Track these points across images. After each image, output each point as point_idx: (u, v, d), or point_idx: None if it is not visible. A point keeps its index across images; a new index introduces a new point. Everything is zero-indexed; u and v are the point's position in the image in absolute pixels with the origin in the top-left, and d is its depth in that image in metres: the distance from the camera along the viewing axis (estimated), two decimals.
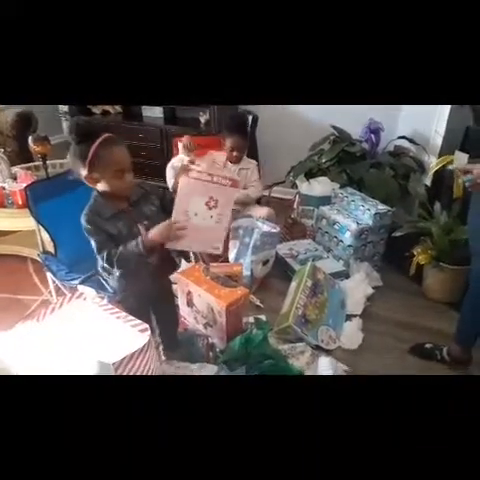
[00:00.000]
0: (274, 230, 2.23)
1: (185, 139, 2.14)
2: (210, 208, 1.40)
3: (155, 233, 1.31)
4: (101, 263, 1.36)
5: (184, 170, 1.35)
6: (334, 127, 2.88)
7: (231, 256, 2.25)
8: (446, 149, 2.30)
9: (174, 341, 1.68)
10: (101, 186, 1.28)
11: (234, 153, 2.26)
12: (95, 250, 1.34)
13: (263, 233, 2.17)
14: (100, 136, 1.21)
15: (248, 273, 2.16)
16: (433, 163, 2.35)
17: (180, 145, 2.17)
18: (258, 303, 2.11)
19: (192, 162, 1.87)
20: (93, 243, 1.33)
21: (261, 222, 2.25)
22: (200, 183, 1.36)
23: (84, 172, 1.23)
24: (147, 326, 1.24)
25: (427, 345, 1.78)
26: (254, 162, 2.43)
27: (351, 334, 1.89)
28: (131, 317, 1.27)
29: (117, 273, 1.39)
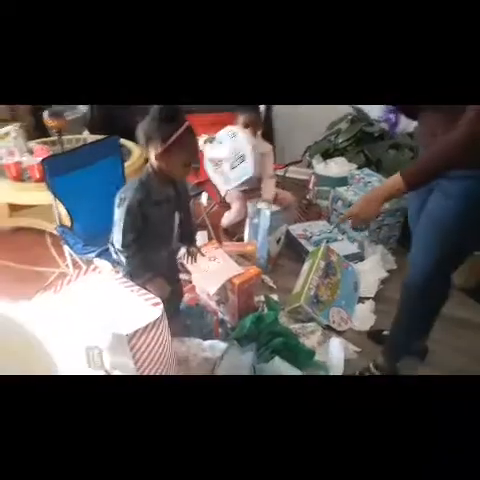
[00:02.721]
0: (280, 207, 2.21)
1: None
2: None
3: (156, 291, 1.31)
4: (112, 241, 1.37)
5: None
6: (352, 106, 2.81)
7: (246, 236, 2.25)
8: None
9: (177, 312, 1.68)
10: (163, 166, 1.28)
11: (248, 130, 2.17)
12: (116, 230, 1.31)
13: (274, 211, 2.15)
14: (183, 121, 1.22)
15: (264, 253, 2.15)
16: None
17: None
18: (271, 284, 2.11)
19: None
20: (121, 223, 1.29)
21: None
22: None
23: (158, 149, 1.23)
24: (159, 300, 1.26)
25: (385, 332, 1.67)
26: (270, 146, 2.29)
27: (363, 316, 1.88)
28: (144, 291, 1.29)
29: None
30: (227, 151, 2.11)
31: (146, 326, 1.14)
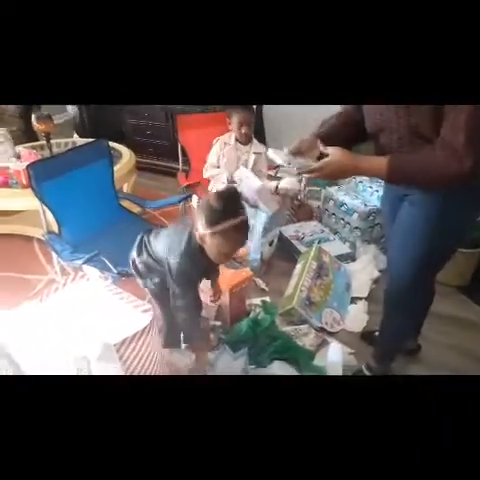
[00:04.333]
0: (277, 207, 2.17)
1: None
2: None
3: None
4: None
5: None
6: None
7: None
8: None
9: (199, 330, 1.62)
10: (202, 246, 1.25)
11: (243, 130, 2.18)
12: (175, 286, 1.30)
13: (271, 214, 2.13)
14: (238, 214, 1.17)
15: (258, 256, 2.13)
16: None
17: None
18: (263, 286, 2.09)
19: None
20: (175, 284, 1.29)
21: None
22: None
23: (201, 230, 1.20)
24: (149, 306, 1.23)
25: (377, 333, 1.64)
26: (263, 146, 2.33)
27: (356, 316, 1.87)
28: (133, 298, 1.26)
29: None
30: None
31: (135, 334, 1.12)
